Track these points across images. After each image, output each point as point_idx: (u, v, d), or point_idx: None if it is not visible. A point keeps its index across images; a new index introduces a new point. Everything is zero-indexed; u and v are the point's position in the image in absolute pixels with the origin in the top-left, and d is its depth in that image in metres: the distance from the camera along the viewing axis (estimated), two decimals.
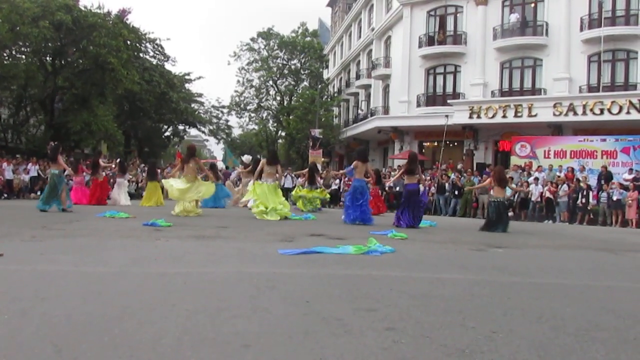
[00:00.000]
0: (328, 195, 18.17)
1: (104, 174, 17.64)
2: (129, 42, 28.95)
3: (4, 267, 4.65)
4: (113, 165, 19.92)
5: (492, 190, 11.82)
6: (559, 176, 18.98)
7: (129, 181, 21.20)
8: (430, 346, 2.78)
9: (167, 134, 46.67)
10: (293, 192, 17.51)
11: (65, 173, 15.11)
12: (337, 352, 2.63)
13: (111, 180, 18.95)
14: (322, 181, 18.88)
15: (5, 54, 25.67)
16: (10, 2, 22.67)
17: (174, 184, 12.21)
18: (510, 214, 15.96)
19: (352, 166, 12.15)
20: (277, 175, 12.86)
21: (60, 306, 3.38)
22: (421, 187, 12.54)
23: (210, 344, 2.70)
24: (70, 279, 4.27)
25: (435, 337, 2.95)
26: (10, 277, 4.30)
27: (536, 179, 18.72)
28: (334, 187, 22.83)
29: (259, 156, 16.49)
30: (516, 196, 18.33)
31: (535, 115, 23.79)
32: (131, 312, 3.27)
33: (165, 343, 2.70)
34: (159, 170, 20.01)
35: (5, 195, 18.66)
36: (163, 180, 13.11)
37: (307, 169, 18.30)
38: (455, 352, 2.68)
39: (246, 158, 19.18)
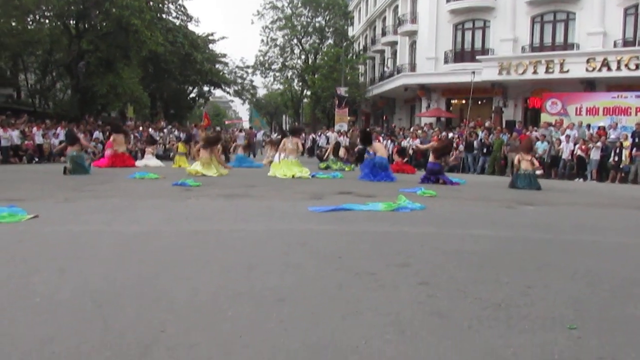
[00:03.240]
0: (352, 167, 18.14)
1: (129, 142, 17.79)
2: (151, 3, 28.75)
3: (39, 229, 4.75)
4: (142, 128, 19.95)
5: (520, 163, 11.63)
6: (591, 134, 18.52)
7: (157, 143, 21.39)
8: (465, 300, 2.77)
9: (192, 95, 46.75)
10: (320, 164, 17.79)
11: (89, 150, 15.45)
12: (372, 305, 2.64)
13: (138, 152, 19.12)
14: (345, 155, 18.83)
15: (29, 19, 25.76)
16: None
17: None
18: (540, 172, 15.70)
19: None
20: (299, 150, 13.29)
21: (96, 264, 3.45)
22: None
23: (245, 298, 2.73)
24: (105, 239, 4.35)
25: (470, 291, 2.93)
26: (46, 237, 4.40)
27: (567, 136, 18.28)
28: (360, 146, 22.74)
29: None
30: (546, 155, 17.99)
31: (567, 71, 23.06)
32: (166, 269, 3.33)
33: (202, 298, 2.74)
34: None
35: (36, 159, 18.97)
36: (187, 169, 13.18)
37: (332, 145, 18.72)
38: (491, 306, 2.67)
39: (275, 138, 19.99)
